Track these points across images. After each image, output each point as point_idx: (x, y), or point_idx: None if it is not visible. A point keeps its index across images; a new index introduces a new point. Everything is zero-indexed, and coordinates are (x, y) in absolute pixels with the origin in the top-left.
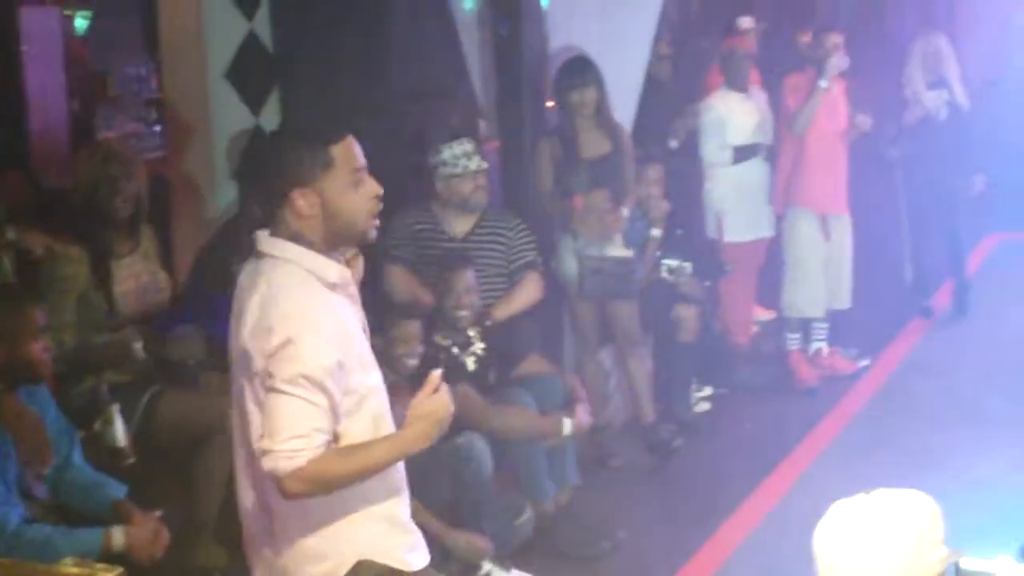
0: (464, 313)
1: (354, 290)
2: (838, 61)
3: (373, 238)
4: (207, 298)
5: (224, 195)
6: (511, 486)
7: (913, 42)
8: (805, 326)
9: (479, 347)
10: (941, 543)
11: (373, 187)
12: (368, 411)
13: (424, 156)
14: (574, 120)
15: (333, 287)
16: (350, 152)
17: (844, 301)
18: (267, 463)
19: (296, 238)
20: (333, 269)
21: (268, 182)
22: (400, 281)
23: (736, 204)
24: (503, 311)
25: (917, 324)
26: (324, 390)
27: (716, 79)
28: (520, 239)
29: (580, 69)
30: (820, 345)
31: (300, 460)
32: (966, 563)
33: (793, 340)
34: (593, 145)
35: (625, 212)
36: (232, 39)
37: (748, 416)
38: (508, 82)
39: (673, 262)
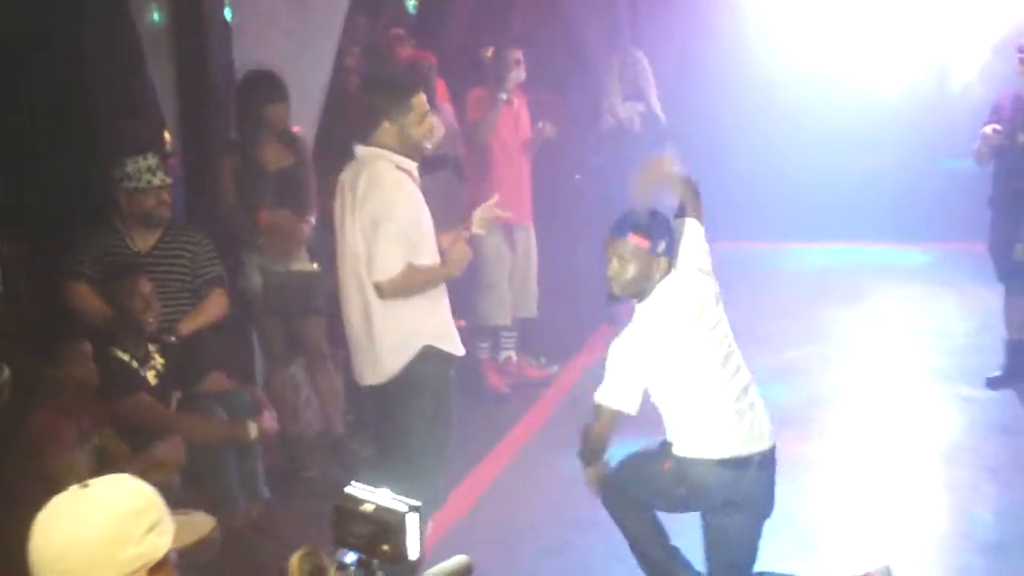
0: (147, 318)
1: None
2: (516, 75)
3: (427, 153)
4: None
5: None
6: (201, 503)
7: (611, 55)
8: (494, 334)
9: (158, 362)
10: (144, 538)
11: (431, 123)
12: (425, 250)
13: (107, 169)
14: (258, 134)
15: (410, 176)
16: (421, 101)
17: (531, 310)
18: (375, 275)
19: (382, 147)
20: (410, 163)
21: (367, 111)
22: (82, 297)
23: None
24: (188, 326)
25: (605, 330)
26: (407, 231)
27: None
28: (204, 254)
29: (271, 83)
30: (509, 353)
31: (392, 273)
32: (351, 490)
33: (483, 348)
34: (275, 158)
35: (309, 225)
36: None
37: None
38: (193, 96)
39: None
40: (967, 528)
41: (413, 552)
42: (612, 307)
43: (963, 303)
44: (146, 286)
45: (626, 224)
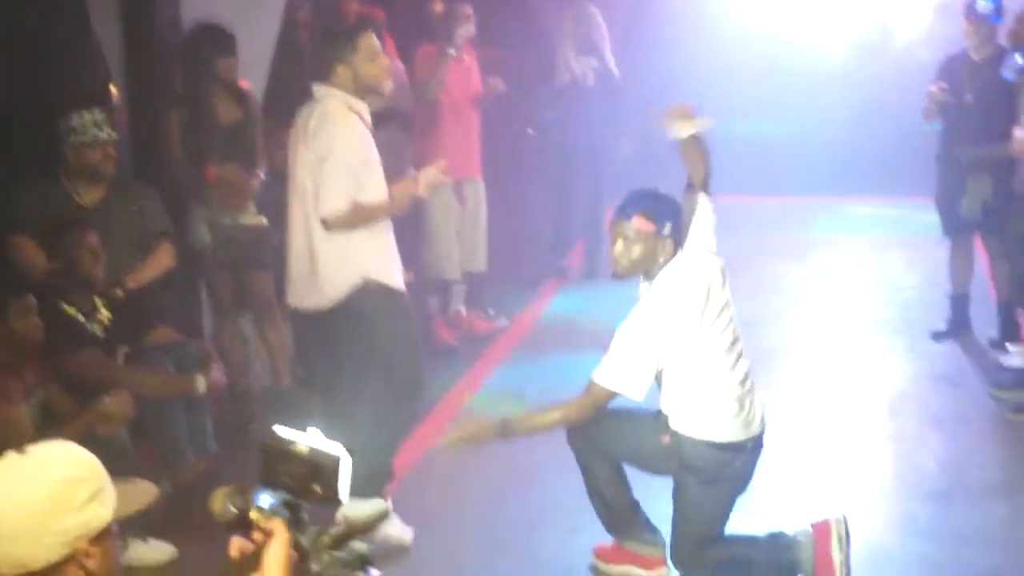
0: (95, 272)
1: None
2: (466, 30)
3: (386, 92)
4: None
5: None
6: (149, 457)
7: (565, 10)
8: (443, 288)
9: (105, 316)
10: (84, 508)
11: (384, 63)
12: (372, 188)
13: (53, 123)
14: (207, 88)
15: (361, 118)
16: (370, 41)
17: (480, 264)
18: (321, 211)
19: (338, 88)
20: (362, 105)
21: (322, 56)
22: (27, 252)
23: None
24: (135, 280)
25: (552, 284)
26: (354, 168)
27: None
28: (151, 208)
29: (220, 37)
30: (458, 307)
31: (338, 208)
32: (279, 429)
33: (432, 302)
34: (224, 113)
35: (258, 179)
36: None
37: None
38: (139, 49)
39: None
40: (912, 477)
41: (344, 494)
42: (560, 261)
43: (911, 257)
44: (93, 240)
45: (632, 206)
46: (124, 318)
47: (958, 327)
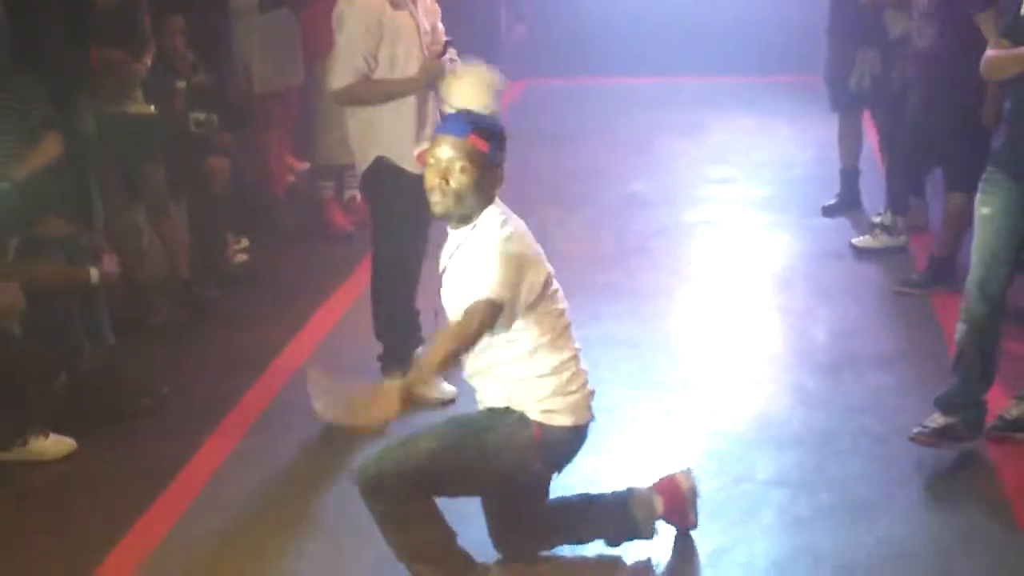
0: None
1: (414, 10)
2: None
3: None
4: None
5: None
6: (44, 349)
7: None
8: (338, 174)
9: None
10: None
11: None
12: (399, 69)
13: None
14: None
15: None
16: None
17: None
18: (329, 86)
19: None
20: None
21: None
22: None
23: (264, 53)
24: (19, 171)
25: None
26: (360, 44)
27: None
28: (33, 96)
29: None
30: (353, 192)
31: (342, 82)
32: None
33: (327, 188)
34: None
35: (144, 66)
36: None
37: (288, 265)
38: None
39: (201, 115)
40: (802, 348)
41: None
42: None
43: (800, 134)
44: None
45: (465, 122)
46: (11, 210)
47: (848, 202)
